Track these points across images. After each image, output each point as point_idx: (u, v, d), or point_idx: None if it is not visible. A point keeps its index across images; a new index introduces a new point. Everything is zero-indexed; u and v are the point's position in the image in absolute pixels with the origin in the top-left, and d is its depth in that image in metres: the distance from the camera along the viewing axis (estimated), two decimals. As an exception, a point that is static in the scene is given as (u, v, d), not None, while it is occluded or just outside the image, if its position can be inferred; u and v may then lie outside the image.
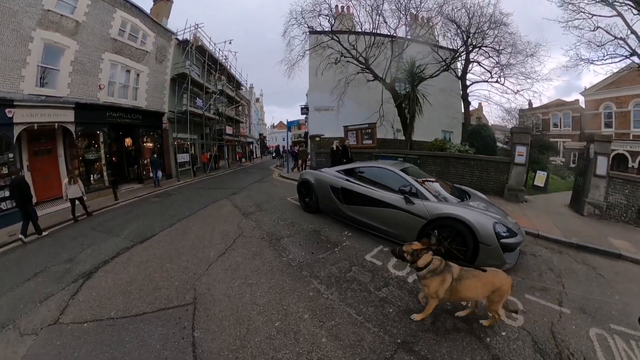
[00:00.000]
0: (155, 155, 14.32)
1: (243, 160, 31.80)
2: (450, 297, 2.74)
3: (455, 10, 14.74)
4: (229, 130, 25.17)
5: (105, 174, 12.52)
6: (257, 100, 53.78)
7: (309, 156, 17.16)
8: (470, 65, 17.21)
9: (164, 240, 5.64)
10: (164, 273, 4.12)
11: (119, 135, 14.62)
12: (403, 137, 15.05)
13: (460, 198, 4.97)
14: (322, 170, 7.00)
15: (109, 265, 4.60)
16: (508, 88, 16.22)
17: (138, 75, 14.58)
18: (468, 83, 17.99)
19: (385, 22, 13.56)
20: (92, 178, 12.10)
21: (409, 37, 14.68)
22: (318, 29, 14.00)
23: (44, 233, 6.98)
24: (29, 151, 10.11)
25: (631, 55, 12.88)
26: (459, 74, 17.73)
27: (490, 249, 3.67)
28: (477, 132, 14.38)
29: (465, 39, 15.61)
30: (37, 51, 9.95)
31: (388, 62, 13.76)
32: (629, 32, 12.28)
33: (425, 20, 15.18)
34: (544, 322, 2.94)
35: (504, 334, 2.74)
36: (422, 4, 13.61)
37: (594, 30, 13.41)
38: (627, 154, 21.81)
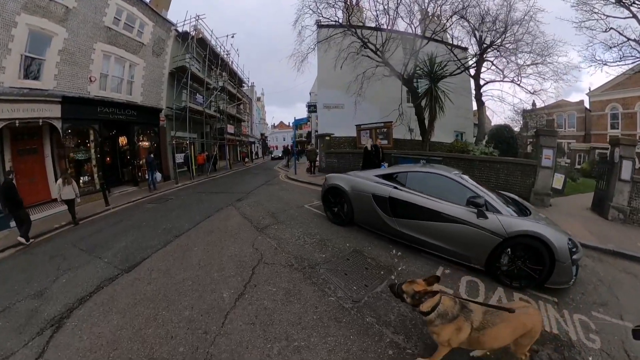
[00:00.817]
0: (152, 155, 12.96)
1: (246, 160, 31.08)
2: (470, 346, 2.25)
3: (468, 7, 13.80)
4: (230, 129, 23.91)
5: (96, 176, 11.31)
6: (259, 99, 52.65)
7: (318, 156, 16.01)
8: (486, 64, 16.34)
9: (157, 268, 4.33)
10: (159, 328, 2.89)
11: (112, 134, 13.40)
12: (419, 137, 14.10)
13: (520, 209, 4.42)
14: (357, 174, 5.92)
15: (86, 306, 3.40)
16: (524, 88, 15.47)
17: (133, 68, 13.40)
18: (482, 83, 17.28)
19: (411, 17, 12.51)
20: (81, 181, 10.87)
21: (423, 34, 13.64)
22: (333, 20, 12.90)
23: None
24: (12, 151, 8.96)
25: (644, 57, 12.63)
26: (472, 74, 17.02)
27: (565, 265, 3.42)
28: (500, 133, 13.55)
29: (479, 38, 14.88)
30: (21, 38, 8.84)
31: (407, 57, 12.77)
32: None
33: (438, 18, 14.18)
34: (616, 341, 2.83)
35: (590, 359, 2.59)
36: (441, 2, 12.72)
37: (606, 32, 13.22)
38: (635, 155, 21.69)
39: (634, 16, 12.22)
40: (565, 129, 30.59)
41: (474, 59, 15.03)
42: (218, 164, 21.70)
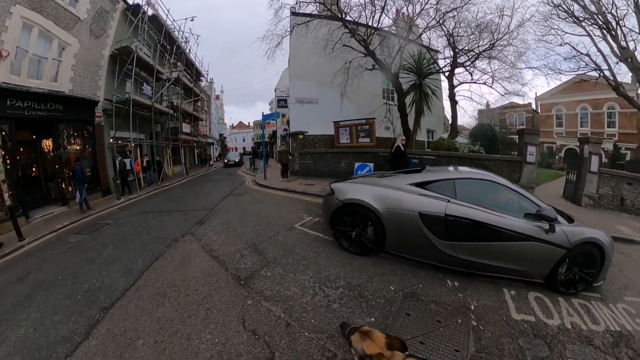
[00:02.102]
0: (79, 164, 9.52)
1: (211, 162, 29.97)
2: None
3: (444, 13, 13.66)
4: (186, 128, 20.76)
5: (6, 195, 7.90)
6: (217, 97, 49.02)
7: (290, 158, 14.41)
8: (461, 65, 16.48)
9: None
10: None
11: (32, 136, 10.17)
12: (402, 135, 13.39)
13: (561, 213, 4.06)
14: (381, 183, 4.44)
15: None
16: (496, 90, 16.24)
17: (63, 48, 10.34)
18: (455, 83, 17.51)
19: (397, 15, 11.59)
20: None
21: (408, 31, 12.96)
22: (319, 1, 11.47)
23: None
24: None
25: (596, 69, 14.52)
26: (447, 74, 17.06)
27: (609, 264, 3.59)
28: (483, 132, 13.69)
29: (453, 43, 15.03)
30: None
31: (394, 52, 11.99)
32: (596, 49, 14.06)
33: (410, 20, 13.70)
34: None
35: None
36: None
37: (561, 46, 15.23)
38: (577, 148, 24.69)
39: (588, 34, 13.76)
40: (516, 127, 34.12)
41: (450, 61, 15.12)
42: (171, 169, 18.69)
